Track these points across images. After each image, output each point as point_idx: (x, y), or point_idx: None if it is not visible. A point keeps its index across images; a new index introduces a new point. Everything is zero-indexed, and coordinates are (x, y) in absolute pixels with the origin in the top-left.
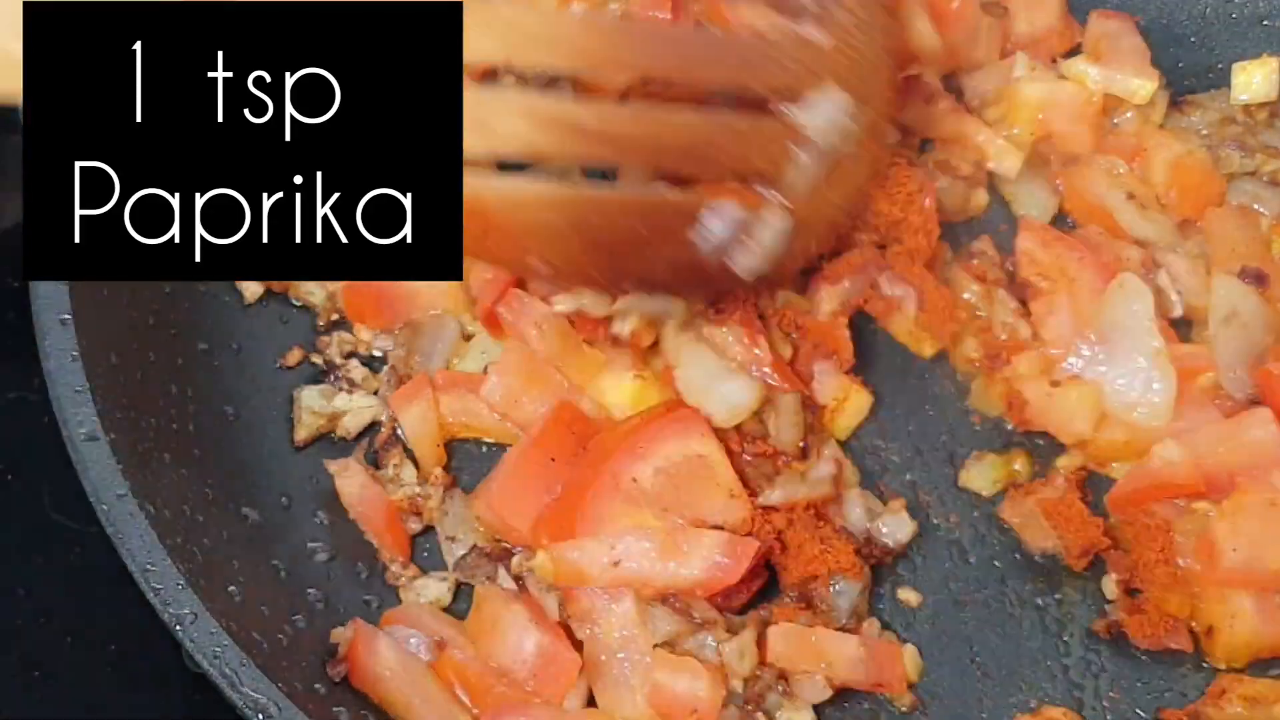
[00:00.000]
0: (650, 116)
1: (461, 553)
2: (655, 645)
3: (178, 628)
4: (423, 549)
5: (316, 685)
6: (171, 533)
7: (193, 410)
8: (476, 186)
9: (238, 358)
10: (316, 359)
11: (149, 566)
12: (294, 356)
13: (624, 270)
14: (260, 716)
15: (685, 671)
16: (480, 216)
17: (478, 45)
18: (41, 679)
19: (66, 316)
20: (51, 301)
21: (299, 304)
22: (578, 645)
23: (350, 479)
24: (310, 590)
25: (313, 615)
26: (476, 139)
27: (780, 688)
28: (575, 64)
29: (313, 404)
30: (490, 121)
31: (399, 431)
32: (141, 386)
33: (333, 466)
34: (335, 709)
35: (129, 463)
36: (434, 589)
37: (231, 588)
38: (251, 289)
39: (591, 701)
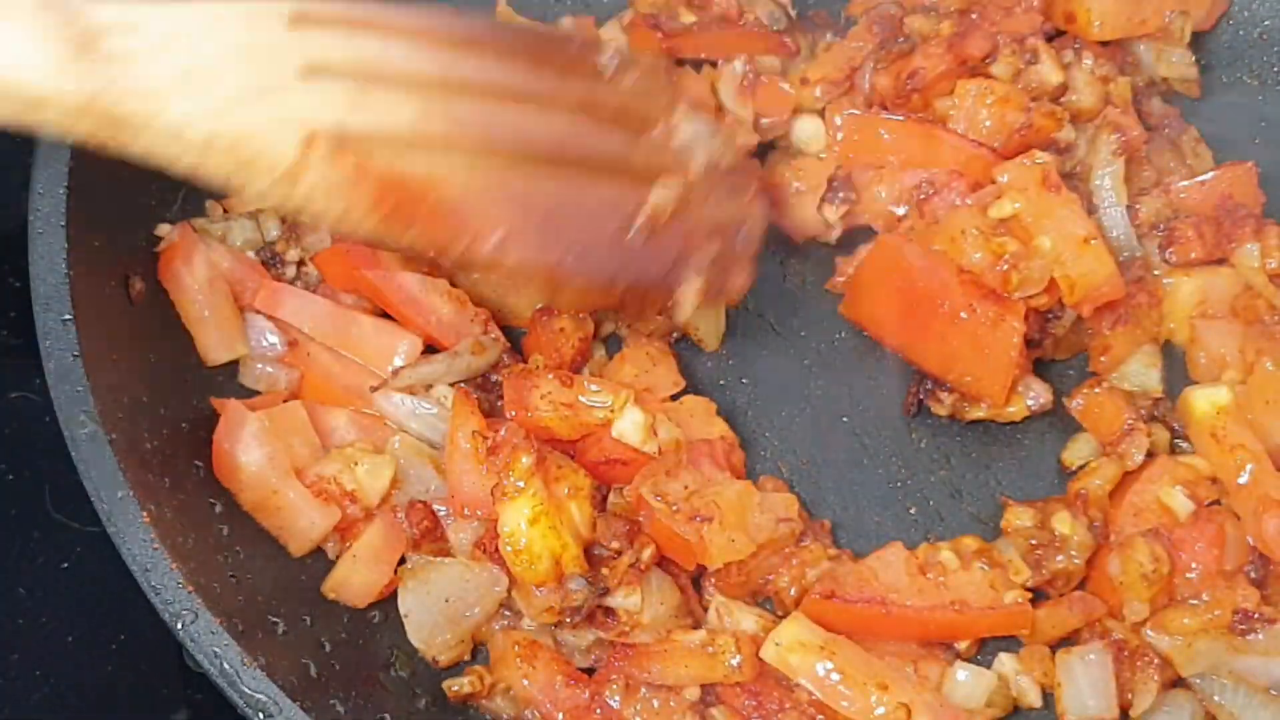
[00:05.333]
0: (556, 117)
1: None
2: None
3: (178, 627)
4: None
5: (318, 682)
6: (171, 533)
7: (193, 410)
8: (387, 158)
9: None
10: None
11: (149, 566)
12: None
13: (563, 240)
14: (260, 715)
15: None
16: (401, 191)
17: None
18: (41, 679)
19: (67, 316)
20: (52, 301)
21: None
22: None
23: None
24: (313, 590)
25: (315, 614)
26: (363, 113)
27: None
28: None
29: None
30: (371, 91)
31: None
32: (141, 387)
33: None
34: (331, 701)
35: (129, 463)
36: None
37: (231, 587)
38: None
39: None
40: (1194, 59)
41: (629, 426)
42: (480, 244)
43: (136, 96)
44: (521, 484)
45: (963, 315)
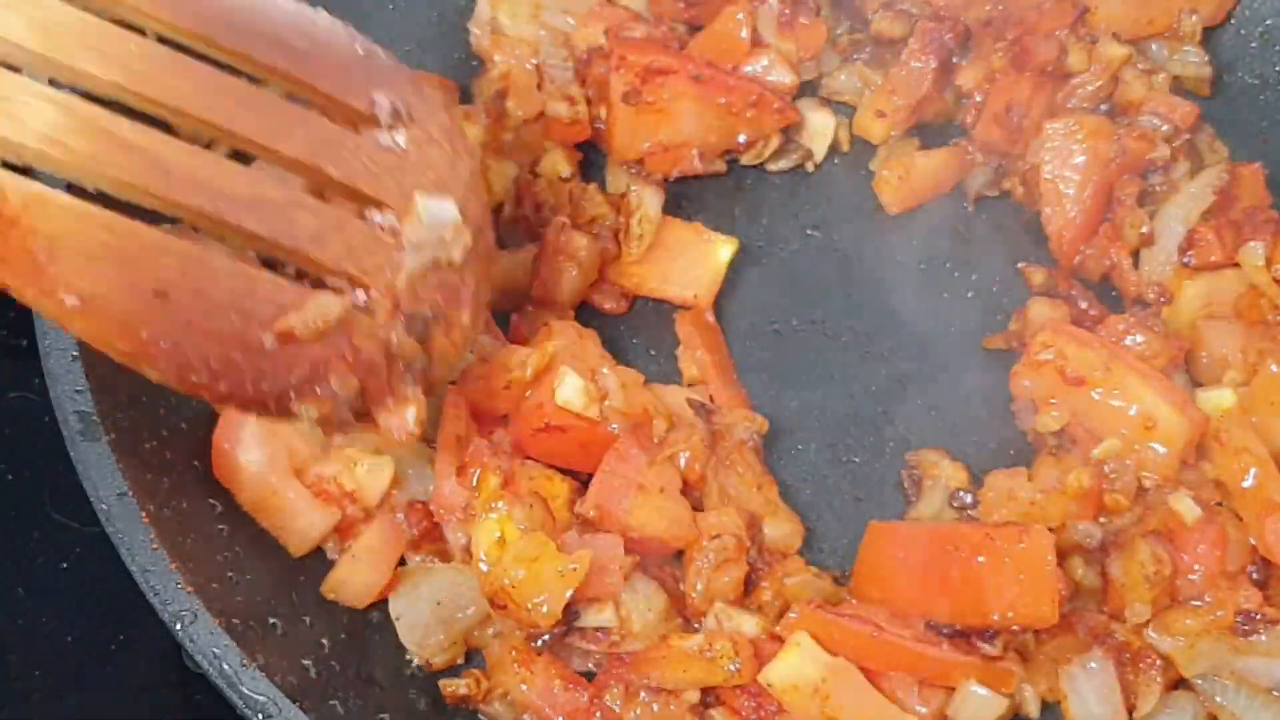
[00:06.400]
0: (220, 167)
1: None
2: None
3: (178, 627)
4: None
5: (317, 683)
6: (171, 533)
7: (193, 410)
8: None
9: None
10: None
11: (149, 566)
12: None
13: (162, 325)
14: (260, 716)
15: None
16: None
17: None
18: (41, 679)
19: None
20: None
21: None
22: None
23: None
24: (313, 590)
25: (315, 614)
26: None
27: None
28: (123, 85)
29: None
30: (12, 101)
31: None
32: (141, 387)
33: None
34: (330, 701)
35: (129, 463)
36: None
37: (231, 587)
38: None
39: None
40: (1207, 57)
41: (570, 393)
42: (49, 301)
43: None
44: (491, 506)
45: (980, 559)
